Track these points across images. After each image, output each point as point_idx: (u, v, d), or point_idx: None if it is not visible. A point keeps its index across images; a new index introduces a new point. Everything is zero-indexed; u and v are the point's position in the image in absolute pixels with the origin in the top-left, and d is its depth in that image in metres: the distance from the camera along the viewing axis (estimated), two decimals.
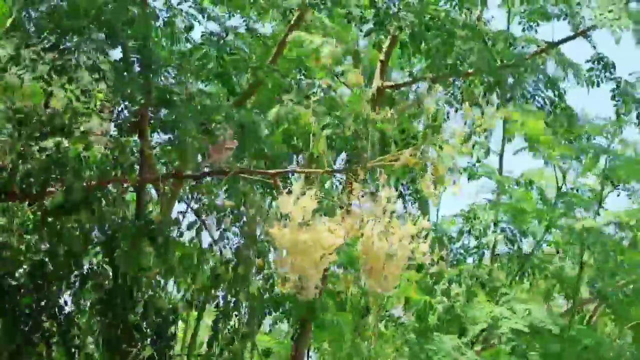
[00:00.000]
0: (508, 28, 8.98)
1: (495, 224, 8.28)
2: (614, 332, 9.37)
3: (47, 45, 4.93)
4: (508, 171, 9.23)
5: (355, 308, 8.01)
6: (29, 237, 5.71)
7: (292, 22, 7.35)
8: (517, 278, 8.63)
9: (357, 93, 5.17)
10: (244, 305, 5.06)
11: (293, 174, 4.50)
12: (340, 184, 6.66)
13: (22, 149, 5.00)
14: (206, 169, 4.83)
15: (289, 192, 3.70)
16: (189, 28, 6.54)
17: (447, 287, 8.10)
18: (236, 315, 5.09)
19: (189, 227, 5.63)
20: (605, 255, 7.83)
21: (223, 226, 4.93)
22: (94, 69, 5.16)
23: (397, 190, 3.95)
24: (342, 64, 7.17)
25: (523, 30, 8.33)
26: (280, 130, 6.16)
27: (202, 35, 6.78)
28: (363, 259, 3.80)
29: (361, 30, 7.39)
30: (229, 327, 5.10)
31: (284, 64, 7.83)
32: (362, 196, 3.82)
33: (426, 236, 3.75)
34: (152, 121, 6.07)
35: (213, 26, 6.93)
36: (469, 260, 8.62)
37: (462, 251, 8.67)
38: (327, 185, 4.84)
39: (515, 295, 7.60)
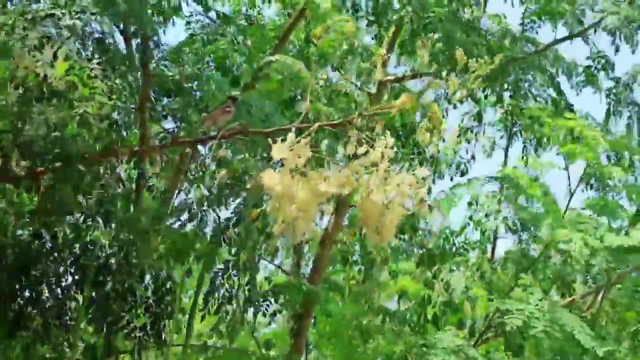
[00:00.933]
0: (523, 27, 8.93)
1: (498, 212, 8.15)
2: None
3: (42, 14, 4.91)
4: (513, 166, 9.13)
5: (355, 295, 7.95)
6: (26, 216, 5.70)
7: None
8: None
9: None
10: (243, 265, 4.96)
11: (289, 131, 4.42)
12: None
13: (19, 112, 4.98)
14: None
15: (283, 141, 3.65)
16: (177, 8, 6.51)
17: (447, 281, 7.96)
18: (235, 275, 5.00)
19: (191, 219, 5.58)
20: None
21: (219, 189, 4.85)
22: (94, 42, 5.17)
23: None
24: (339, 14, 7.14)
25: (524, 31, 8.39)
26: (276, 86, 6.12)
27: (188, 16, 6.77)
28: (360, 210, 3.74)
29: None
30: (227, 285, 5.02)
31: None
32: (360, 145, 3.75)
33: (424, 183, 3.66)
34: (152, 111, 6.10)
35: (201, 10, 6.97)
36: (472, 254, 8.56)
37: (465, 244, 8.61)
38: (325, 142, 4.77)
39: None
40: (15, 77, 5.02)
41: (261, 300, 6.66)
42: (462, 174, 9.18)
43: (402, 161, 6.87)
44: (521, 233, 8.43)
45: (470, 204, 8.26)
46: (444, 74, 3.73)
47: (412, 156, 7.50)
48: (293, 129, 3.78)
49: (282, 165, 3.61)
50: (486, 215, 8.13)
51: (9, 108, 4.92)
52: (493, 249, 9.08)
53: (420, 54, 3.70)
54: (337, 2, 6.78)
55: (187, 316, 5.68)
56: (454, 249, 8.90)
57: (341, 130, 3.99)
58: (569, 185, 8.17)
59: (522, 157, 8.80)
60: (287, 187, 3.59)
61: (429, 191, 7.76)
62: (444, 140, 3.75)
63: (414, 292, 8.37)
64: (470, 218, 8.31)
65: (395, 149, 3.72)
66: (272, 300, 7.10)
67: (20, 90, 4.99)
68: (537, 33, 8.16)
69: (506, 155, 9.36)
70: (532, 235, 8.53)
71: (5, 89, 4.93)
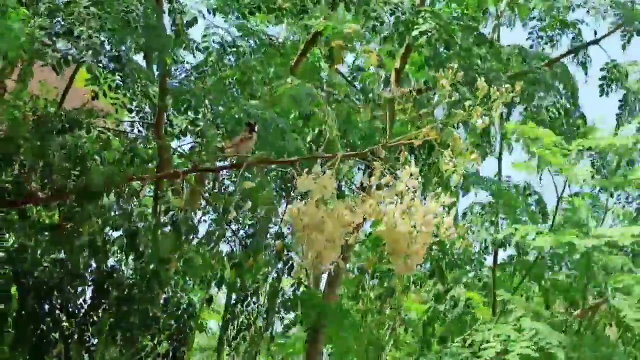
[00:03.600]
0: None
1: (492, 223, 8.15)
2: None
3: (60, 31, 4.93)
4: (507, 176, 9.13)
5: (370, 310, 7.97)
6: (46, 238, 5.74)
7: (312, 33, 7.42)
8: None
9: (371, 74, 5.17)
10: (261, 293, 5.03)
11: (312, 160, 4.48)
12: (359, 169, 6.68)
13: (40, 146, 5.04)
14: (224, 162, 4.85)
15: (309, 173, 3.70)
16: (192, 22, 6.52)
17: (454, 297, 7.96)
18: (255, 303, 5.06)
19: (209, 238, 5.64)
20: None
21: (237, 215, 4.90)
22: (112, 60, 5.22)
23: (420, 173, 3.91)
24: (363, 40, 7.20)
25: (531, 47, 8.45)
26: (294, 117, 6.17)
27: (205, 32, 6.80)
28: (386, 240, 3.78)
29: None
30: (246, 312, 5.07)
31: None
32: (383, 175, 3.80)
33: (449, 211, 3.71)
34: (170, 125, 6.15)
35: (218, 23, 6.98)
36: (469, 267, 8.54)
37: (462, 257, 8.60)
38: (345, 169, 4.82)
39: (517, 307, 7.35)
40: (34, 109, 5.08)
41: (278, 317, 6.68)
42: (467, 191, 9.18)
43: (425, 187, 6.92)
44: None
45: (465, 214, 8.28)
46: (467, 103, 3.76)
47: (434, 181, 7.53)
48: (319, 160, 3.84)
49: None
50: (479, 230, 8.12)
51: (30, 142, 4.97)
52: (495, 258, 9.02)
53: (441, 84, 3.74)
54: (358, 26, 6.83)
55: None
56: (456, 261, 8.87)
57: (365, 160, 4.04)
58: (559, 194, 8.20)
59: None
60: (314, 218, 3.65)
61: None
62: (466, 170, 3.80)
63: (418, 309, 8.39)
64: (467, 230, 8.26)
65: (419, 178, 3.78)
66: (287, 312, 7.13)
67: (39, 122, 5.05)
68: (546, 46, 8.25)
69: (500, 161, 9.31)
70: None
71: (26, 126, 4.98)
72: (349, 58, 8.68)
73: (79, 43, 4.96)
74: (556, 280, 7.61)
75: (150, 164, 5.54)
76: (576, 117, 8.29)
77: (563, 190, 7.29)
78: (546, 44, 8.23)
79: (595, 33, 8.33)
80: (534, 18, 8.49)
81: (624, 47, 7.98)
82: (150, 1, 5.35)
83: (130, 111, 6.26)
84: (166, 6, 6.14)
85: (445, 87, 3.81)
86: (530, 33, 8.48)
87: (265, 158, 4.51)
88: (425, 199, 3.77)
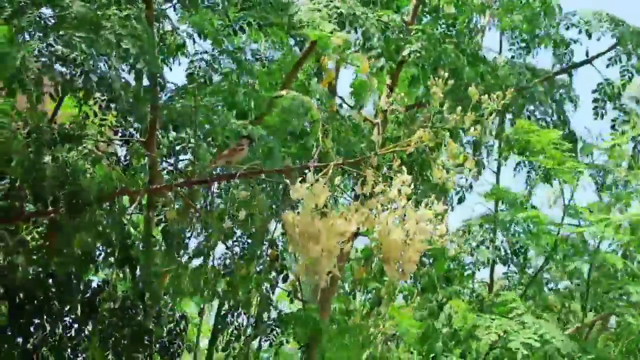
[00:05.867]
0: (500, 52, 9.07)
1: (491, 241, 8.16)
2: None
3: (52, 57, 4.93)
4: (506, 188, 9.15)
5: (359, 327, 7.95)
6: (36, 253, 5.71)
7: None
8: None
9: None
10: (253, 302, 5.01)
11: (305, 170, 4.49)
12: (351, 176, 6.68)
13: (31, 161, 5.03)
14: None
15: (302, 181, 3.71)
16: (181, 46, 6.54)
17: (449, 313, 7.94)
18: (245, 313, 5.04)
19: (198, 253, 5.62)
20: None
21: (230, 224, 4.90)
22: (103, 84, 5.22)
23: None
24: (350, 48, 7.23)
25: (512, 57, 8.54)
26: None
27: (193, 55, 6.83)
28: (380, 248, 3.78)
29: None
30: (236, 324, 5.05)
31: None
32: (376, 184, 3.81)
33: (442, 219, 3.72)
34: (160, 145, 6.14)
35: (207, 46, 6.99)
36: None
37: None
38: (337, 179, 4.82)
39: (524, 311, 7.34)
40: (27, 123, 5.07)
41: (268, 331, 6.65)
42: (460, 201, 9.22)
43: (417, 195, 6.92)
44: (511, 260, 8.48)
45: (463, 232, 8.26)
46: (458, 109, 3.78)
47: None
48: (312, 169, 3.85)
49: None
50: (478, 246, 8.14)
51: (21, 155, 4.95)
52: (492, 272, 9.05)
53: (433, 93, 3.77)
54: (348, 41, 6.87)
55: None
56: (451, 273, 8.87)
57: (357, 169, 4.05)
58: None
59: (526, 188, 8.80)
60: (308, 227, 3.65)
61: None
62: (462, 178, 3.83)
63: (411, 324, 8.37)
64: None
65: (412, 186, 3.79)
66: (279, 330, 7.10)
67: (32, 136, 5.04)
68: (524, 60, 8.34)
69: (498, 174, 9.35)
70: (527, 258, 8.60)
71: (19, 141, 4.97)
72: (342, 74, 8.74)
73: (72, 68, 4.97)
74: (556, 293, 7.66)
75: (141, 178, 5.53)
76: (565, 134, 8.31)
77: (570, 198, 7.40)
78: (527, 54, 8.30)
79: (587, 54, 8.37)
80: (516, 28, 8.55)
81: (623, 86, 7.95)
82: (141, 21, 5.37)
83: (118, 130, 6.25)
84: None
85: (437, 95, 3.83)
86: (512, 44, 8.59)
87: (257, 169, 4.51)
88: (418, 206, 3.78)
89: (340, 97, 8.76)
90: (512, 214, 7.89)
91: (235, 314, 5.16)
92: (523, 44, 8.63)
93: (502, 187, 8.12)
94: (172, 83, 6.59)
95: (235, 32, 6.79)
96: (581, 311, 8.25)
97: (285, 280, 5.28)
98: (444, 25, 8.58)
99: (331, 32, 5.48)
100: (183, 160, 6.05)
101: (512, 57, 8.56)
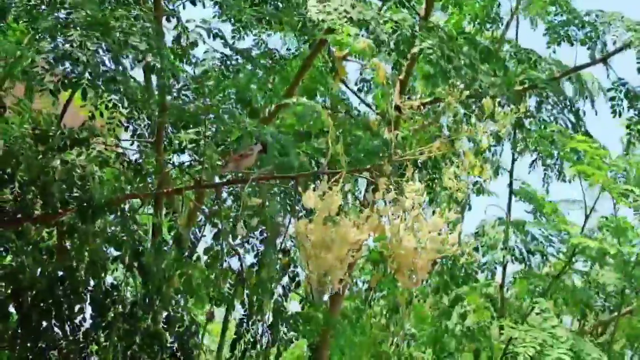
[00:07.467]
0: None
1: (505, 242, 8.04)
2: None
3: (59, 54, 4.87)
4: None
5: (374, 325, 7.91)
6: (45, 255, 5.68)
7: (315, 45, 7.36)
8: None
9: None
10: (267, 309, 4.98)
11: (317, 177, 4.44)
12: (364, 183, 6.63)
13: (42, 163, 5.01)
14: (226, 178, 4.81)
15: (314, 190, 3.67)
16: (193, 45, 6.48)
17: (464, 311, 7.89)
18: (259, 320, 5.01)
19: (206, 252, 5.57)
20: None
21: (244, 231, 4.85)
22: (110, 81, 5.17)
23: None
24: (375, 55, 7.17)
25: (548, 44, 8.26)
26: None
27: (204, 52, 6.75)
28: (391, 256, 3.74)
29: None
30: (252, 330, 5.02)
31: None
32: (388, 191, 3.75)
33: (454, 227, 3.67)
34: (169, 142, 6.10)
35: (218, 45, 6.92)
36: (480, 275, 8.46)
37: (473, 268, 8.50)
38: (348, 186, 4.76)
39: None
40: (34, 126, 5.05)
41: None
42: (470, 208, 9.11)
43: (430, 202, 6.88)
44: (528, 258, 8.36)
45: (477, 234, 8.16)
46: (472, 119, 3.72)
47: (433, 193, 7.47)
48: (325, 176, 3.79)
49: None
50: (491, 248, 8.02)
51: (31, 160, 4.93)
52: (504, 270, 8.96)
53: (447, 101, 3.70)
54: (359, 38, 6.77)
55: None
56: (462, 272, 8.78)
57: (370, 176, 4.00)
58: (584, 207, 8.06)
59: (543, 185, 8.66)
60: (321, 235, 3.61)
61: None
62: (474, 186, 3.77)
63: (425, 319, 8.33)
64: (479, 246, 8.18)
65: (425, 195, 3.73)
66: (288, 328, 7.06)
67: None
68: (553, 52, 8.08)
69: (511, 176, 9.22)
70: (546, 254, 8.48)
71: (25, 143, 4.95)
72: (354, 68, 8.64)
73: (77, 66, 4.91)
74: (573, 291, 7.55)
75: (150, 181, 5.48)
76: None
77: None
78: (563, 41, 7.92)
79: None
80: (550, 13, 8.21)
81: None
82: (151, 21, 5.32)
83: (127, 129, 6.21)
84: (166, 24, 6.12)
85: (452, 104, 3.77)
86: (547, 29, 8.25)
87: (268, 174, 4.46)
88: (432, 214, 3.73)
89: (354, 92, 8.65)
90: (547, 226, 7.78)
91: (250, 322, 5.12)
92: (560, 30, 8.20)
93: (532, 189, 8.00)
94: (182, 82, 6.53)
95: (245, 26, 6.75)
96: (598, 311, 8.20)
97: (297, 286, 5.25)
98: (467, 16, 8.37)
99: (356, 35, 5.42)
100: (191, 162, 5.99)
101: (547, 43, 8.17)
